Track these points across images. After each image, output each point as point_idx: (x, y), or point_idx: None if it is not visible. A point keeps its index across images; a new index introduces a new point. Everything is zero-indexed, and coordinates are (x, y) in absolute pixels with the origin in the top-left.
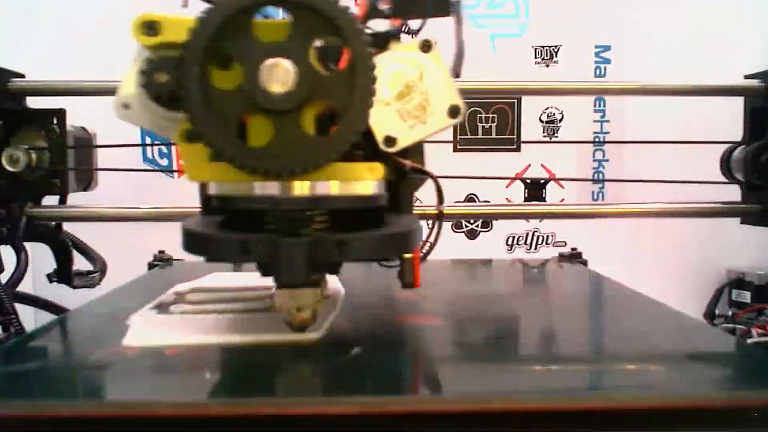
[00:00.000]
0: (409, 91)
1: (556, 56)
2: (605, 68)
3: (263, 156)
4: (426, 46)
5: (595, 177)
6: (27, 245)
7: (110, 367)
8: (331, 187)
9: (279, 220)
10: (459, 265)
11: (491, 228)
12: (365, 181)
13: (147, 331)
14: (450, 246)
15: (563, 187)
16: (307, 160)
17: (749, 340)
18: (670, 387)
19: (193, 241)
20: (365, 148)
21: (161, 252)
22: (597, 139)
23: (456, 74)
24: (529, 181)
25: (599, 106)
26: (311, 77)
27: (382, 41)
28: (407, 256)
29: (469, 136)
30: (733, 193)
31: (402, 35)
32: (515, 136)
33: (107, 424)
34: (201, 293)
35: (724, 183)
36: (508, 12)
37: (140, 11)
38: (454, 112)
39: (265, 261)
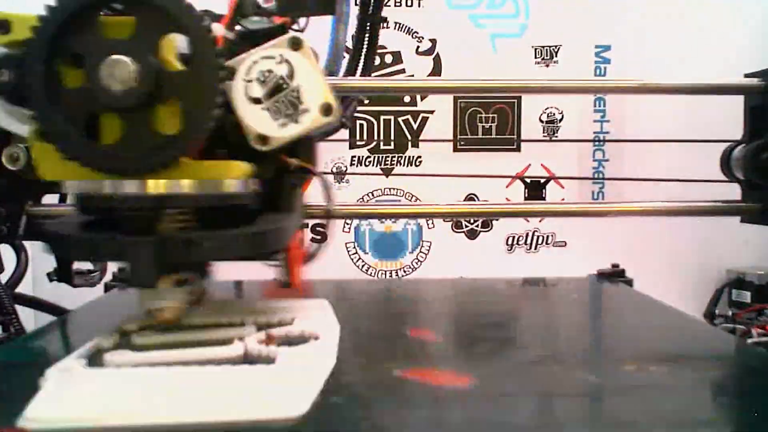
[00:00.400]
0: (280, 90)
1: (556, 56)
2: (605, 68)
3: (111, 154)
4: (295, 44)
5: (595, 175)
6: (27, 245)
7: None
8: (183, 186)
9: (126, 219)
10: (474, 288)
11: (491, 228)
12: (224, 180)
13: (61, 399)
14: (450, 246)
15: (563, 187)
16: (154, 159)
17: (749, 340)
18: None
19: (51, 241)
20: (235, 146)
21: (122, 270)
22: (597, 141)
23: (331, 72)
24: (529, 180)
25: (599, 106)
26: (156, 75)
27: (261, 38)
28: (280, 256)
29: (469, 136)
30: (733, 192)
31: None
32: (515, 136)
33: None
34: (151, 334)
35: (724, 181)
36: (508, 12)
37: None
38: (326, 109)
39: (115, 261)
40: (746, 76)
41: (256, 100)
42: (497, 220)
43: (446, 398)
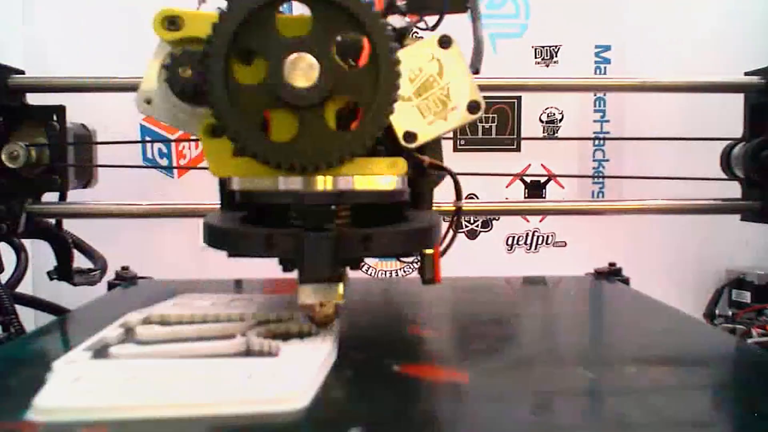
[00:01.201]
0: (429, 87)
1: (556, 56)
2: (605, 68)
3: (287, 151)
4: (445, 42)
5: (595, 176)
6: (27, 245)
7: None
8: (355, 182)
9: (304, 214)
10: (475, 286)
11: (491, 228)
12: (388, 176)
13: (69, 390)
14: (450, 246)
15: (563, 187)
16: (331, 155)
17: (749, 340)
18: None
19: (215, 236)
20: (386, 143)
21: (124, 269)
22: (597, 141)
23: (475, 70)
24: (529, 180)
25: (599, 105)
26: (335, 72)
27: (399, 37)
28: (428, 251)
29: (469, 136)
30: (733, 190)
31: (421, 31)
32: (515, 136)
33: None
34: (155, 328)
35: (724, 180)
36: (508, 12)
37: (160, 6)
38: (473, 107)
39: (290, 256)
40: (746, 74)
41: (406, 98)
42: (497, 219)
43: (444, 393)
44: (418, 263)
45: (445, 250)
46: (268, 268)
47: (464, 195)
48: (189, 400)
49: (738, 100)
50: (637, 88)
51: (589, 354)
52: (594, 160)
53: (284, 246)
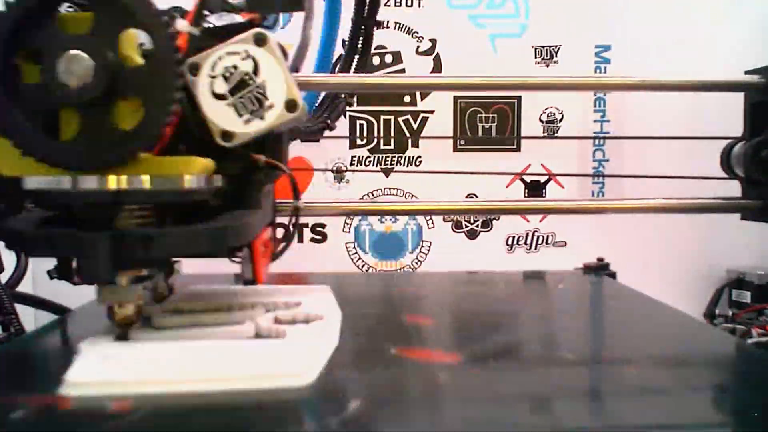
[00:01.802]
0: (245, 86)
1: (556, 56)
2: (605, 68)
3: (67, 150)
4: (260, 40)
5: (595, 177)
6: None
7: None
8: (140, 181)
9: (83, 214)
10: (473, 279)
11: (491, 228)
12: (181, 176)
13: (96, 365)
14: (450, 246)
15: (563, 187)
16: (111, 154)
17: (749, 340)
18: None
19: (8, 237)
20: (197, 143)
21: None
22: (597, 141)
23: (295, 69)
24: (529, 180)
25: (599, 105)
26: (110, 71)
27: (227, 35)
28: (243, 252)
29: (470, 136)
30: (733, 189)
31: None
32: (515, 136)
33: None
34: (170, 315)
35: (724, 178)
36: (508, 12)
37: None
38: (291, 106)
39: (70, 256)
40: (746, 72)
41: (221, 96)
42: (497, 219)
43: (436, 372)
44: None
45: (282, 251)
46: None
47: (465, 195)
48: (205, 376)
49: (738, 101)
50: (637, 86)
51: (572, 340)
52: (594, 161)
53: (63, 246)
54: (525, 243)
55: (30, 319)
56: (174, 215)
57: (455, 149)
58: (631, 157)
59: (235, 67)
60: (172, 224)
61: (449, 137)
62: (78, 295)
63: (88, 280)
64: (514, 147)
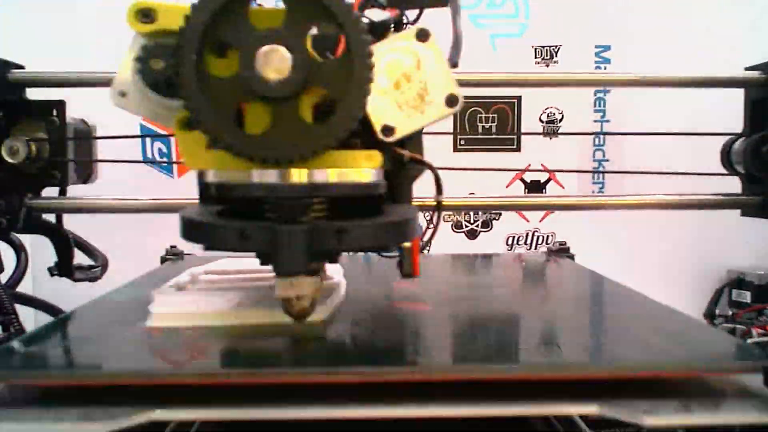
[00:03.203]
0: (407, 81)
1: (556, 56)
2: (605, 68)
3: (261, 143)
4: (423, 36)
5: (595, 176)
6: (27, 245)
7: (138, 343)
8: (329, 175)
9: (277, 207)
10: (454, 259)
11: (491, 228)
12: (363, 169)
13: (168, 303)
14: (450, 246)
15: (563, 187)
16: (305, 148)
17: (749, 340)
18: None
19: (191, 229)
20: (364, 137)
21: (173, 247)
22: (597, 141)
23: (453, 64)
24: (529, 180)
25: (599, 105)
26: (308, 64)
27: (379, 31)
28: (406, 245)
29: (470, 136)
30: (734, 187)
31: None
32: (515, 136)
33: (133, 392)
34: (215, 275)
35: (724, 175)
36: (508, 12)
37: None
38: (451, 101)
39: (264, 249)
40: (747, 69)
41: (383, 91)
42: (497, 219)
43: (414, 315)
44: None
45: (426, 244)
46: None
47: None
48: (243, 312)
49: (738, 100)
50: (637, 83)
51: (515, 297)
52: (594, 160)
53: (257, 239)
54: (525, 243)
55: (30, 319)
56: (344, 209)
57: (455, 149)
58: (631, 157)
59: (398, 63)
60: (340, 218)
61: (449, 133)
62: (82, 296)
63: (283, 274)
64: (514, 147)
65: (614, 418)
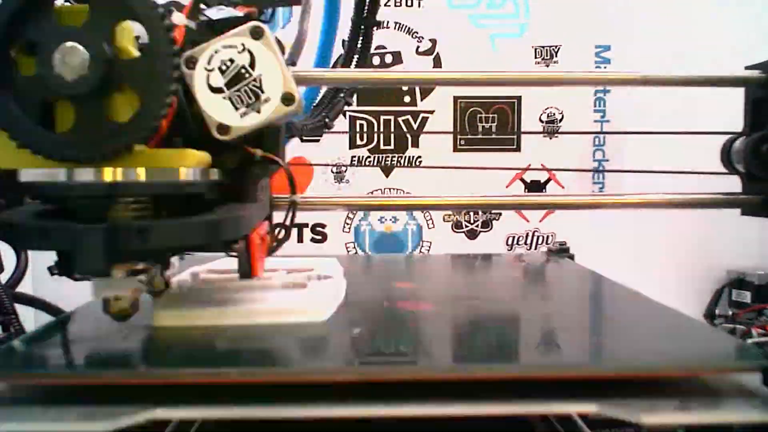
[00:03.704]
0: (241, 79)
1: (556, 56)
2: (605, 68)
3: (62, 142)
4: (257, 33)
5: (595, 177)
6: None
7: (141, 342)
8: (135, 173)
9: (78, 207)
10: (454, 260)
11: (491, 228)
12: (176, 168)
13: (168, 302)
14: (450, 246)
15: (563, 187)
16: (107, 147)
17: (749, 340)
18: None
19: (1, 229)
20: (197, 135)
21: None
22: (597, 141)
23: (292, 62)
24: (529, 180)
25: (599, 106)
26: (105, 62)
27: (221, 28)
28: (238, 245)
29: (470, 136)
30: (734, 186)
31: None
32: (515, 137)
33: (134, 391)
34: (215, 273)
35: (724, 174)
36: (508, 12)
37: None
38: (288, 99)
39: (65, 249)
40: (747, 68)
41: (217, 90)
42: (497, 219)
43: (416, 315)
44: None
45: (279, 244)
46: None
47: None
48: (245, 312)
49: (738, 99)
50: (637, 81)
51: (520, 297)
52: (594, 161)
53: (58, 239)
54: (525, 243)
55: (30, 319)
56: (170, 209)
57: (455, 149)
58: (631, 157)
59: (231, 61)
60: (167, 219)
61: (449, 132)
62: (82, 296)
63: (83, 274)
64: (514, 147)
65: (613, 417)
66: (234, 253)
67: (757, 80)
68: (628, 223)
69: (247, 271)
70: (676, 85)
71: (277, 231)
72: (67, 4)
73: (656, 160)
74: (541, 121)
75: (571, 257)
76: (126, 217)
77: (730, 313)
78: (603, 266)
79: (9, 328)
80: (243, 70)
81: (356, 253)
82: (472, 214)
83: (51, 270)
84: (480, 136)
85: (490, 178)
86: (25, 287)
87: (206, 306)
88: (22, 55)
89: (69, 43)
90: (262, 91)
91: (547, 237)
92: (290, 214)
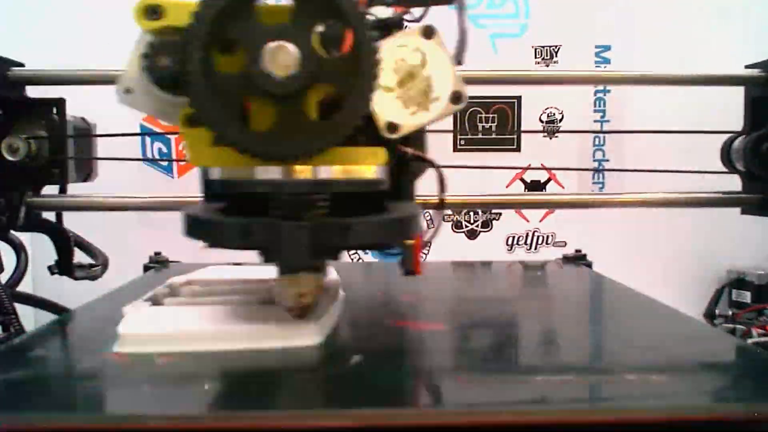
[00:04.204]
0: (412, 78)
1: (556, 56)
2: (605, 68)
3: (266, 140)
4: (428, 33)
5: (595, 177)
6: (27, 245)
7: (102, 376)
8: (333, 172)
9: (280, 204)
10: (459, 267)
11: (491, 228)
12: (368, 166)
13: (139, 322)
14: (450, 246)
15: (563, 187)
16: (309, 145)
17: (749, 340)
18: (674, 393)
19: (193, 226)
20: (368, 134)
21: (157, 254)
22: (597, 141)
23: (458, 61)
24: (529, 180)
25: (599, 106)
26: (314, 61)
27: (385, 29)
28: (409, 242)
29: (469, 136)
30: (734, 185)
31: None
32: (515, 137)
33: None
34: (195, 286)
35: (724, 173)
36: (508, 12)
37: None
38: (456, 98)
39: (267, 246)
40: (747, 67)
41: (388, 89)
42: (497, 219)
43: (425, 338)
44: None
45: (429, 242)
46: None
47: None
48: (225, 335)
49: (738, 99)
50: (637, 80)
51: (537, 313)
52: (594, 160)
53: (260, 236)
54: (525, 243)
55: (30, 319)
56: (348, 207)
57: (455, 149)
58: (631, 157)
59: (402, 60)
60: (343, 215)
61: (449, 131)
62: (81, 295)
63: (288, 270)
64: (514, 147)
65: None
66: (394, 251)
67: (756, 79)
68: (628, 223)
69: (412, 268)
70: (676, 83)
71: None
72: (266, 3)
73: (656, 161)
74: (541, 121)
75: (589, 265)
76: (318, 214)
77: (730, 313)
78: (603, 266)
79: (9, 328)
80: (414, 70)
81: (356, 253)
82: (472, 214)
83: (51, 269)
84: (480, 136)
85: (490, 178)
86: (25, 287)
87: (179, 327)
88: (220, 54)
89: (278, 42)
90: (432, 90)
91: (547, 237)
92: (440, 213)
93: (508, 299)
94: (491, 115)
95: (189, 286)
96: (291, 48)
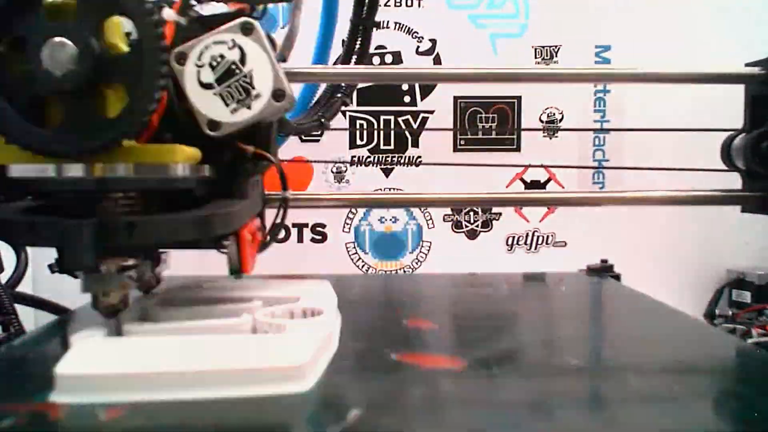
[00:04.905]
0: (231, 75)
1: (556, 56)
2: (604, 66)
3: (51, 138)
4: (247, 29)
5: (595, 176)
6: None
7: None
8: (123, 169)
9: (65, 202)
10: (474, 282)
11: (491, 228)
12: (166, 164)
13: (84, 360)
14: (450, 246)
15: (563, 187)
16: (96, 142)
17: (749, 340)
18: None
19: None
20: (187, 132)
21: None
22: (597, 141)
23: (282, 59)
24: (529, 180)
25: (599, 105)
26: (93, 58)
27: (212, 25)
28: (227, 241)
29: (469, 136)
30: (734, 184)
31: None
32: (515, 137)
33: None
34: (166, 308)
35: (724, 171)
36: (508, 12)
37: None
38: (278, 95)
39: (53, 244)
40: (747, 65)
41: (208, 86)
42: (497, 219)
43: (440, 375)
44: None
45: (270, 240)
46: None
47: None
48: (199, 381)
49: (739, 98)
50: (638, 78)
51: (579, 346)
52: (594, 160)
53: (46, 234)
54: (525, 243)
55: (30, 319)
56: (161, 205)
57: (455, 149)
58: (631, 156)
59: (221, 56)
60: (159, 214)
61: (449, 129)
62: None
63: (72, 269)
64: (514, 147)
65: None
66: (224, 250)
67: (756, 77)
68: (627, 222)
69: (237, 267)
70: (676, 81)
71: (269, 228)
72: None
73: (656, 161)
74: (541, 120)
75: (617, 277)
76: (116, 213)
77: (730, 313)
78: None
79: (9, 328)
80: (233, 66)
81: (356, 253)
82: (472, 214)
83: (51, 268)
84: (480, 136)
85: (490, 178)
86: (25, 287)
87: (134, 365)
88: (11, 52)
89: (57, 39)
90: (253, 87)
91: (547, 237)
92: (282, 211)
93: (536, 323)
94: (491, 115)
95: (159, 306)
96: (69, 45)
